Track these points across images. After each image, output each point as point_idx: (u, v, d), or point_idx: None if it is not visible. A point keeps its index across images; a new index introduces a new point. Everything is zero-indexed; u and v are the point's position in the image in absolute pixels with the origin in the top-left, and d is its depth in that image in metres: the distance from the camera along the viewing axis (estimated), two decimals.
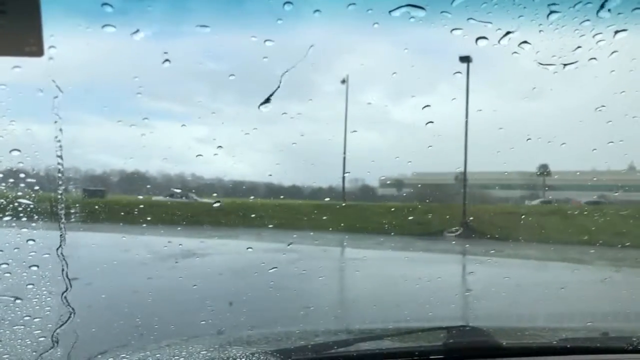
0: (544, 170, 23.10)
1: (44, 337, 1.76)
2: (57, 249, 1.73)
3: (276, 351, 1.59)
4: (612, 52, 1.87)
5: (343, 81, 18.90)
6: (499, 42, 1.83)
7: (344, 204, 22.37)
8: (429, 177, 26.82)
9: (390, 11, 1.80)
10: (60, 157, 1.67)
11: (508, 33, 1.77)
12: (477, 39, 1.93)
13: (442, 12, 1.76)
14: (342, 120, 19.65)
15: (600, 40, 1.75)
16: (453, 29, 2.68)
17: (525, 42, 1.76)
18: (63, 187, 1.73)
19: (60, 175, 1.69)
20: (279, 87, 2.41)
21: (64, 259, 1.70)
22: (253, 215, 16.85)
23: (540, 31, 1.61)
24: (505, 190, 24.59)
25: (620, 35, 1.74)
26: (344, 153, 17.25)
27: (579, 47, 1.84)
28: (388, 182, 29.43)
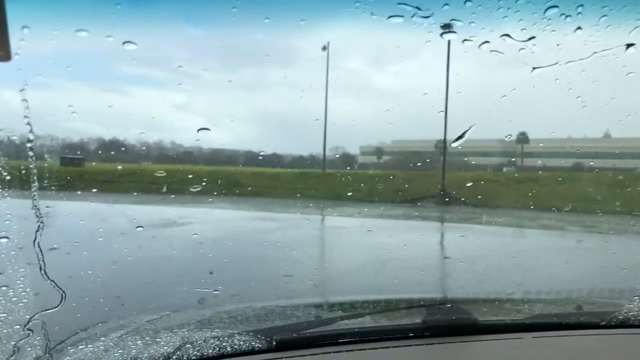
0: (522, 137, 23.32)
1: (21, 309, 1.73)
2: (38, 221, 1.69)
3: (256, 331, 1.58)
4: (595, 24, 1.86)
5: (324, 48, 18.67)
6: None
7: (324, 172, 22.41)
8: (408, 145, 26.93)
9: None
10: (29, 124, 1.62)
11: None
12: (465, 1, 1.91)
13: None
14: (323, 87, 19.53)
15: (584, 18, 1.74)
16: None
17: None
18: (33, 156, 1.69)
19: (31, 144, 1.64)
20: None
21: (41, 229, 1.66)
22: (232, 184, 16.81)
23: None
24: (484, 157, 24.80)
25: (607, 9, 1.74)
26: (325, 121, 17.20)
27: (566, 15, 1.83)
28: (368, 149, 29.49)
